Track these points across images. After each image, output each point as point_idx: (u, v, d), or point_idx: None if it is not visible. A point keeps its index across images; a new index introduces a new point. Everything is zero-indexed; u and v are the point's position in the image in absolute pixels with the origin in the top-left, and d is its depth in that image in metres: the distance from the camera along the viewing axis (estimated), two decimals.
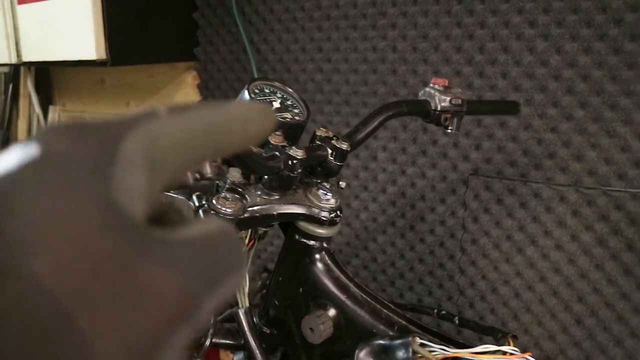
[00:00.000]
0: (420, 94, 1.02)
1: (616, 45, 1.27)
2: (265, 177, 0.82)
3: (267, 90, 0.90)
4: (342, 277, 0.86)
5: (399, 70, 1.58)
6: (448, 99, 0.98)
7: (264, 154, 0.81)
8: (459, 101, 0.99)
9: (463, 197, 1.54)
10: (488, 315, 1.55)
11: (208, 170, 0.58)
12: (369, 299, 0.84)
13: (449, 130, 1.01)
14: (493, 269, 1.53)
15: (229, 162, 0.84)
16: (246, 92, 0.85)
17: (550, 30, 1.34)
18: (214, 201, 0.79)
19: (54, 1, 1.88)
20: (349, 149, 0.87)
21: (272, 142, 0.79)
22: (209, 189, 0.89)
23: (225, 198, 0.79)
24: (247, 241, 0.92)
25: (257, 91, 0.88)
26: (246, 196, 0.82)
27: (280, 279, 0.91)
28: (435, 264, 1.64)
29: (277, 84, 0.91)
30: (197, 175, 0.56)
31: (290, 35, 1.78)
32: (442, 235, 1.60)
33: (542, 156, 1.41)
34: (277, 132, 0.81)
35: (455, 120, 1.01)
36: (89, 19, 1.76)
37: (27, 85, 2.76)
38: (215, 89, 2.02)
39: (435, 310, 0.95)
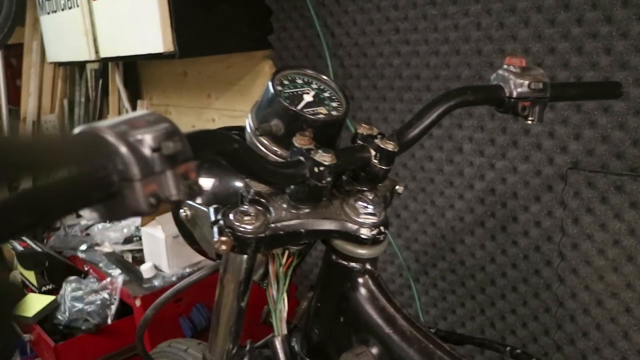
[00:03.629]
0: (492, 77, 0.84)
1: None
2: (292, 186, 0.68)
3: (299, 81, 0.76)
4: (388, 307, 0.70)
5: (484, 50, 1.38)
6: (526, 82, 0.80)
7: (288, 159, 0.68)
8: (540, 85, 0.80)
9: (561, 195, 1.32)
10: (592, 332, 1.34)
11: (172, 190, 0.44)
12: (419, 336, 0.68)
13: (530, 121, 0.82)
14: (598, 278, 1.31)
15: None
16: (270, 85, 0.71)
17: None
18: (231, 216, 0.66)
19: None
20: (396, 150, 0.70)
21: (297, 145, 0.65)
22: (230, 200, 0.77)
23: (245, 212, 0.66)
24: (283, 260, 0.79)
25: (286, 82, 0.74)
26: (270, 209, 0.68)
27: (319, 305, 0.77)
28: (530, 271, 1.43)
29: (309, 72, 0.77)
30: (152, 200, 0.43)
31: (365, 16, 1.62)
32: (538, 238, 1.40)
33: None
34: (305, 132, 0.67)
35: (536, 108, 0.82)
36: (155, 12, 1.69)
37: (116, 81, 2.78)
38: None
39: (509, 349, 0.78)
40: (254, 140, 0.72)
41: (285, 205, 0.69)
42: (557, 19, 1.24)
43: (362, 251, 0.70)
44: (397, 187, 0.80)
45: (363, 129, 0.72)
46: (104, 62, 2.50)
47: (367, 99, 1.68)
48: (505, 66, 0.82)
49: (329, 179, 0.64)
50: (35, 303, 2.00)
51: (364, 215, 0.69)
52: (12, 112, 3.01)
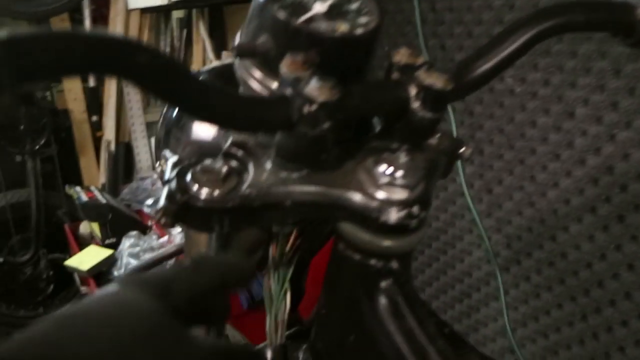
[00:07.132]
0: None
1: None
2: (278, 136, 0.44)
3: None
4: (417, 329, 0.46)
5: None
6: None
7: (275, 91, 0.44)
8: None
9: None
10: None
11: None
12: None
13: None
14: None
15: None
16: None
17: None
18: (188, 176, 0.43)
19: None
20: (448, 88, 0.44)
21: (284, 70, 0.41)
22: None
23: (207, 170, 0.43)
24: (290, 241, 0.56)
25: None
26: (249, 167, 0.45)
27: (324, 312, 0.53)
28: None
29: None
30: None
31: None
32: None
33: None
34: (301, 53, 0.42)
35: None
36: None
37: (200, 31, 2.62)
38: None
39: None
40: (240, 71, 0.49)
41: (268, 166, 0.45)
42: None
43: (383, 242, 0.45)
44: (463, 149, 0.54)
45: (400, 56, 0.47)
46: (182, 8, 2.33)
47: (461, 49, 1.40)
48: None
49: (326, 124, 0.40)
50: (93, 256, 1.89)
51: (387, 186, 0.44)
52: None
